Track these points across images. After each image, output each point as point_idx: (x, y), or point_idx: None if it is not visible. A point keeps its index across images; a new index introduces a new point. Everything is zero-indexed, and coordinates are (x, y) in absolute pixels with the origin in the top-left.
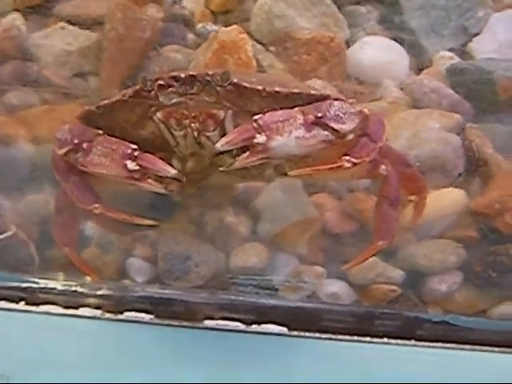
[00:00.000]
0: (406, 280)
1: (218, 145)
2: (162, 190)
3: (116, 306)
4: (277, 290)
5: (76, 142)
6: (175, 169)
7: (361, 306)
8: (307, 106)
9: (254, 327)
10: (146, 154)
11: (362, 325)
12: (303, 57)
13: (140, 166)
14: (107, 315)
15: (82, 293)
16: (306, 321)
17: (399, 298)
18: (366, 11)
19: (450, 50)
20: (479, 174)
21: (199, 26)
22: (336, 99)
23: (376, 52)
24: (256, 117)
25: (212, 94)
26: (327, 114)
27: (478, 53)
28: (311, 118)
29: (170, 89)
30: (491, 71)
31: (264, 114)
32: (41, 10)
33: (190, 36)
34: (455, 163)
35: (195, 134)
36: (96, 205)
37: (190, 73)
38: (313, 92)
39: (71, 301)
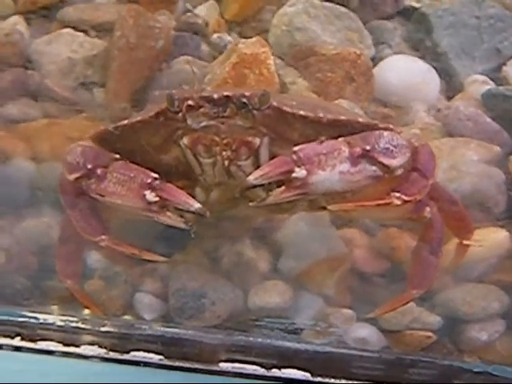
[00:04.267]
0: (443, 326)
1: (251, 178)
2: (183, 225)
3: (122, 344)
4: (300, 332)
5: (89, 167)
6: (198, 200)
7: (391, 352)
8: (353, 137)
9: (275, 371)
10: (168, 185)
11: (392, 372)
12: (328, 74)
13: (160, 197)
14: (112, 354)
15: (83, 329)
16: (331, 367)
17: (434, 346)
18: (393, 27)
19: (482, 73)
20: None
21: (214, 36)
22: (385, 129)
23: (405, 72)
24: (296, 148)
25: (248, 118)
26: (376, 146)
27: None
28: (358, 150)
29: (201, 110)
30: None
31: (304, 143)
32: (44, 13)
33: (204, 47)
34: (497, 200)
35: (225, 162)
36: (103, 236)
37: (224, 93)
38: (360, 120)
39: (72, 338)
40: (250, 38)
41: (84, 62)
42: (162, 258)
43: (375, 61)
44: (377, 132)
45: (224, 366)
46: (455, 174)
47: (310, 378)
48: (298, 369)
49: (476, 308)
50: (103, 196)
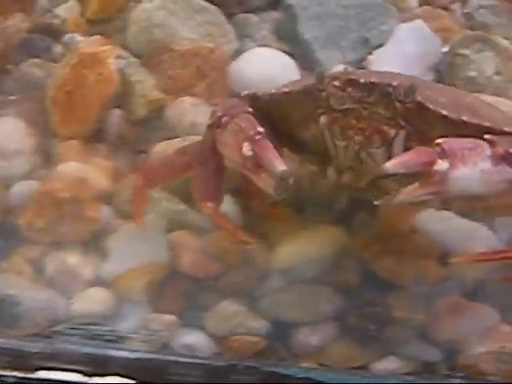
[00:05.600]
0: (271, 331)
1: (388, 165)
2: (271, 191)
3: None
4: (122, 340)
5: (219, 114)
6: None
7: (219, 359)
8: (499, 137)
9: (96, 379)
10: (266, 141)
11: (214, 379)
12: (178, 71)
13: (254, 151)
14: None
15: None
16: (154, 373)
17: (266, 351)
18: (259, 20)
19: (348, 63)
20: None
21: (66, 36)
22: None
23: (264, 65)
24: (439, 140)
25: (389, 108)
26: None
27: (379, 66)
28: (501, 150)
29: (345, 92)
30: None
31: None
32: None
33: (58, 48)
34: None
35: (356, 147)
36: (208, 204)
37: (371, 80)
38: (506, 129)
39: None
40: (109, 37)
41: None
42: (250, 240)
43: (238, 55)
44: None
45: (43, 374)
46: None
47: None
48: (121, 376)
49: (305, 311)
50: (218, 146)
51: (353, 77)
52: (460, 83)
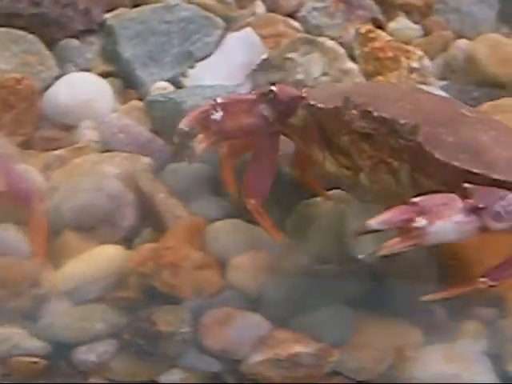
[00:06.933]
0: (52, 351)
1: (373, 222)
2: None
3: None
4: None
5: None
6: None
7: (7, 379)
8: (476, 188)
9: None
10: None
11: None
12: None
13: None
14: None
15: None
16: None
17: (48, 370)
18: (82, 44)
19: (170, 79)
20: (151, 224)
21: None
22: None
23: (76, 90)
24: (415, 199)
25: (394, 143)
26: (489, 207)
27: (199, 79)
28: (471, 203)
29: (360, 122)
30: (182, 102)
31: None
32: None
33: None
34: (122, 214)
35: (367, 170)
36: (252, 200)
37: (383, 115)
38: (495, 176)
39: None
40: None
41: None
42: (281, 239)
43: None
44: (502, 192)
45: None
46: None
47: None
48: None
49: (77, 331)
50: None
51: (369, 109)
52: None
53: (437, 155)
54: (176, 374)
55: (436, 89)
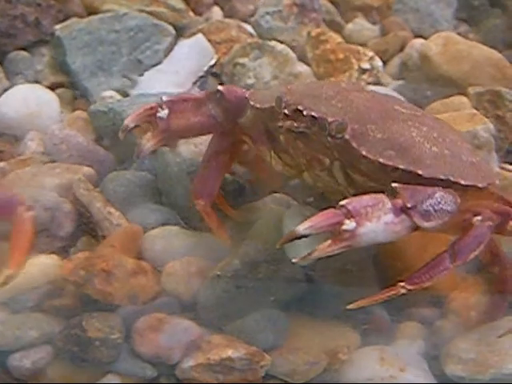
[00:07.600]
0: None
1: (300, 228)
2: None
3: None
4: None
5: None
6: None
7: None
8: (405, 186)
9: None
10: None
11: None
12: None
13: None
14: None
15: None
16: None
17: None
18: (32, 56)
19: (119, 88)
20: (89, 233)
21: None
22: (446, 188)
23: (22, 102)
24: (343, 202)
25: (324, 140)
26: (418, 205)
27: (148, 87)
28: (400, 203)
29: (292, 122)
30: (122, 111)
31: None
32: None
33: None
34: (59, 224)
35: (303, 167)
36: (200, 201)
37: (312, 113)
38: (420, 172)
39: None
40: None
41: None
42: (228, 242)
43: None
44: (430, 190)
45: None
46: None
47: None
48: None
49: (9, 338)
50: None
51: (300, 108)
52: None
53: (364, 152)
54: (112, 380)
55: (389, 89)
